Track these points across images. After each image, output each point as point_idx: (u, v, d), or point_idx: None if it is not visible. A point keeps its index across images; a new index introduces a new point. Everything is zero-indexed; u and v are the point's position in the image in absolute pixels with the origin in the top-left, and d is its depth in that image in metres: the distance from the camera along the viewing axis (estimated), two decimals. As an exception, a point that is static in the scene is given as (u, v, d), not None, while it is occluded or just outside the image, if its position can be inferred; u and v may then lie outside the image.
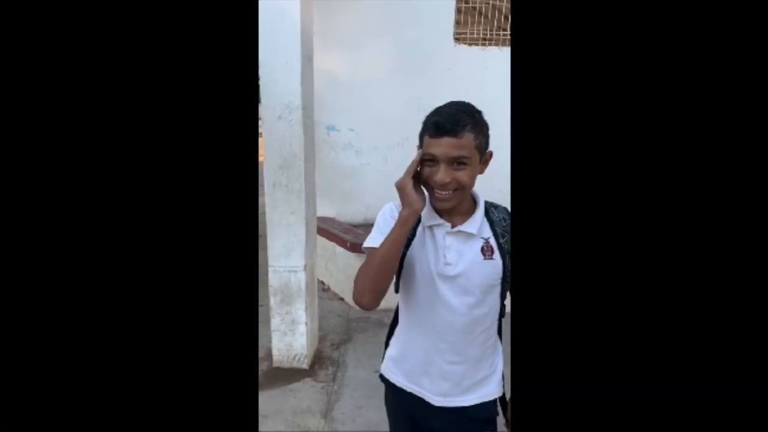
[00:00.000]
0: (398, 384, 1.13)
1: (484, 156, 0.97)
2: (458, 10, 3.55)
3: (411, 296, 1.07)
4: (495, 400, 1.11)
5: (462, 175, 0.94)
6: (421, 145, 0.97)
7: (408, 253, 1.03)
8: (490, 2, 3.60)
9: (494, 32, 3.64)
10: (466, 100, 0.98)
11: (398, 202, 1.02)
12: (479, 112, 0.97)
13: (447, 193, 0.95)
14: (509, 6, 3.62)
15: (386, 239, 0.97)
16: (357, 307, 3.59)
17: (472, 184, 0.98)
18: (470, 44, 3.54)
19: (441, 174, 0.93)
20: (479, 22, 3.63)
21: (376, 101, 3.50)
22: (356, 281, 1.01)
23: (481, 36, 3.63)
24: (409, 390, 1.11)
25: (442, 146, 0.92)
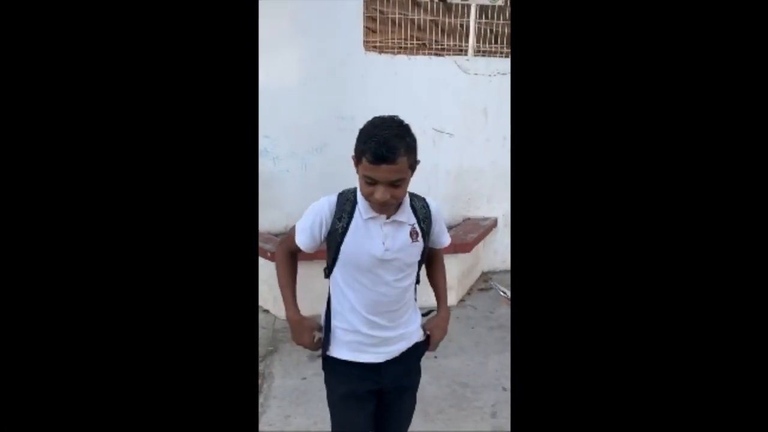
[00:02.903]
0: (345, 358, 1.25)
1: (414, 167, 1.12)
2: (369, 19, 3.65)
3: (353, 280, 1.21)
4: (419, 342, 1.35)
5: (399, 192, 1.09)
6: (357, 163, 1.09)
7: (346, 243, 1.18)
8: (403, 13, 3.75)
9: (406, 41, 3.79)
10: (397, 115, 1.11)
11: (332, 199, 1.19)
12: (409, 131, 1.10)
13: (386, 207, 1.11)
14: (421, 17, 3.79)
15: (285, 299, 1.29)
16: (282, 317, 3.52)
17: (406, 193, 1.15)
18: (381, 52, 3.65)
19: (380, 194, 1.06)
20: (392, 31, 3.75)
21: (290, 108, 3.47)
22: (276, 256, 1.31)
23: (393, 45, 3.76)
24: (357, 360, 1.24)
25: (381, 172, 1.04)
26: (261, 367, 2.61)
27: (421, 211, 1.24)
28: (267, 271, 3.30)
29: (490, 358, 2.68)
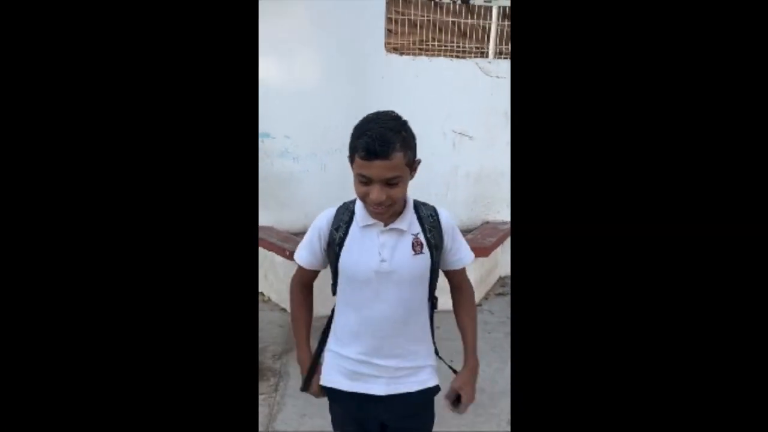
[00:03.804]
0: (342, 388, 1.15)
1: (413, 166, 1.03)
2: (391, 21, 3.65)
3: (351, 295, 1.12)
4: (431, 387, 1.18)
5: (395, 192, 0.99)
6: (352, 161, 1.01)
7: (344, 254, 1.09)
8: (424, 15, 3.74)
9: (426, 43, 3.78)
10: (393, 110, 1.03)
11: (332, 211, 1.13)
12: (405, 126, 1.01)
13: (382, 207, 1.01)
14: (442, 18, 3.78)
15: (297, 337, 1.21)
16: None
17: (405, 194, 1.05)
18: (402, 54, 3.65)
19: (376, 194, 0.97)
20: (412, 33, 3.75)
21: (311, 108, 3.50)
22: (290, 289, 1.23)
23: (414, 46, 3.76)
24: (352, 391, 1.14)
25: (375, 169, 0.95)
26: (277, 365, 2.63)
27: (428, 220, 1.11)
28: (284, 270, 3.33)
29: (508, 364, 2.64)
